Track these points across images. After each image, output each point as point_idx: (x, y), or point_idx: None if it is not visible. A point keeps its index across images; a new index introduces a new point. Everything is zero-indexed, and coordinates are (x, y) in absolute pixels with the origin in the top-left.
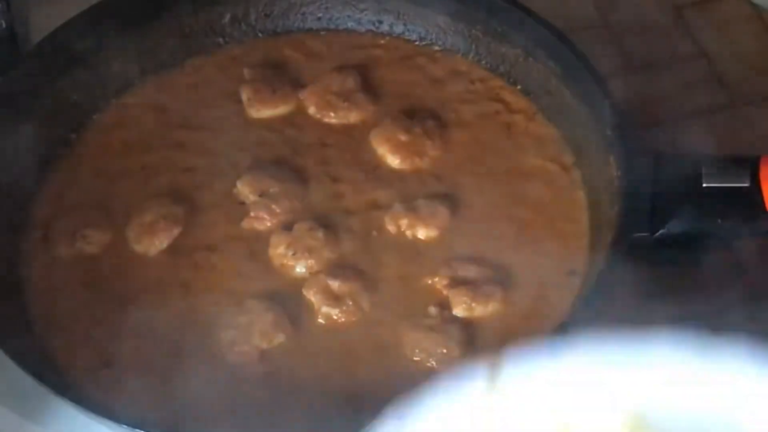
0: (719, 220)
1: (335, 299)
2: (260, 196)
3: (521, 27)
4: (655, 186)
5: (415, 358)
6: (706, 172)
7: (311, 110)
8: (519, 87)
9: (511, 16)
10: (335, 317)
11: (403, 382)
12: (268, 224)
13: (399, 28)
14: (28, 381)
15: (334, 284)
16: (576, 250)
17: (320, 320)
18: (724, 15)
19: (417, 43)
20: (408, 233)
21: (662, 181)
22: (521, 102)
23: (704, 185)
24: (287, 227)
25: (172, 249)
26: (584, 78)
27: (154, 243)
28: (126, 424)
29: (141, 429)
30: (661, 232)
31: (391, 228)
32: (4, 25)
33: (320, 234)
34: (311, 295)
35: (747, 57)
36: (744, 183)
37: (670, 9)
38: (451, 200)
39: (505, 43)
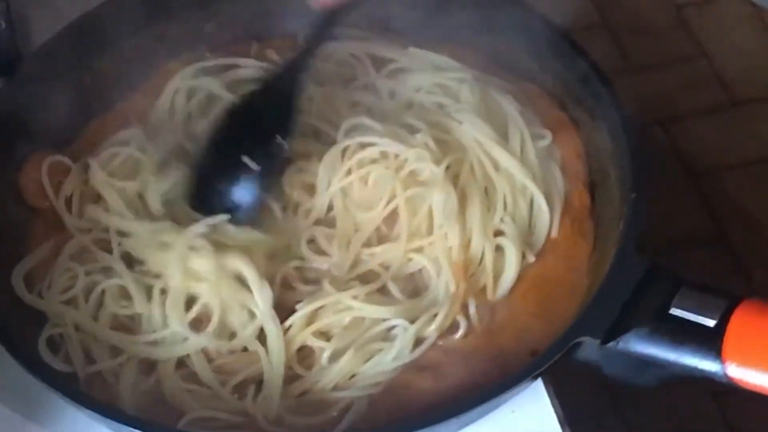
0: (672, 354)
1: None
2: None
3: (522, 27)
4: (632, 293)
5: None
6: (679, 297)
7: None
8: None
9: (512, 17)
10: None
11: None
12: None
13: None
14: (28, 380)
15: None
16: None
17: None
18: (724, 15)
19: None
20: None
21: (642, 290)
22: None
23: (670, 311)
24: None
25: None
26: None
27: None
28: (126, 424)
29: (141, 429)
30: (610, 343)
31: None
32: (4, 25)
33: None
34: None
35: (747, 57)
36: (709, 322)
37: (671, 9)
38: None
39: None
